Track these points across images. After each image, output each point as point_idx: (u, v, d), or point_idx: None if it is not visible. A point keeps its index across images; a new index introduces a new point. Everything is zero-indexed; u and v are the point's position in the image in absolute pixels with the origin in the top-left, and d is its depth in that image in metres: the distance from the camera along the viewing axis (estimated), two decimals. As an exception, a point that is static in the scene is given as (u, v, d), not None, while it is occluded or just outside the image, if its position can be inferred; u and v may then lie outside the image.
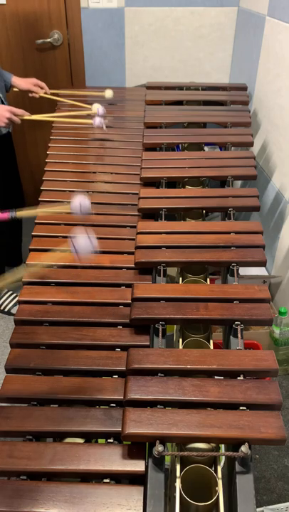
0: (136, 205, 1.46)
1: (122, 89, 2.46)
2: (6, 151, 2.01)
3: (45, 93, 2.00)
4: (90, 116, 1.87)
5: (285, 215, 1.91)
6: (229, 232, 1.29)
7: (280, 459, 1.57)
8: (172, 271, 1.43)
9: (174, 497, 0.78)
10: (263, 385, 0.88)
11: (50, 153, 1.75)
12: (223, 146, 1.77)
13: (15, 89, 1.96)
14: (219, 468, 0.81)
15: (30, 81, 1.96)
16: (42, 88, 1.98)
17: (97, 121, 1.80)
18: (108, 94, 2.07)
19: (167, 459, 0.89)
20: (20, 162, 2.18)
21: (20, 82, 1.94)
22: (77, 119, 1.87)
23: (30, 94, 1.98)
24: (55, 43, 2.40)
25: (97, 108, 1.86)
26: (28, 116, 1.73)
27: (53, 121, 1.93)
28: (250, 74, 2.26)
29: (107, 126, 1.83)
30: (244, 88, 2.18)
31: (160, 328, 1.03)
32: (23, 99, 2.53)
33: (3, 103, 1.83)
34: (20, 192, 2.21)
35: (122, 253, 1.31)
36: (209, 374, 0.94)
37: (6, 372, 1.00)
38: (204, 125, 1.90)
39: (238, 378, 0.91)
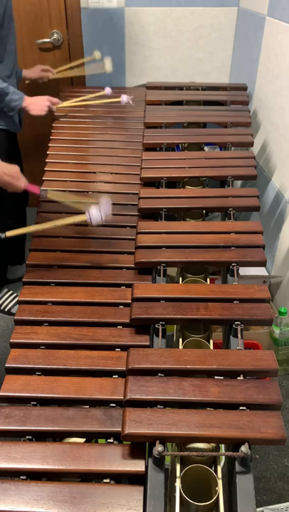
0: (136, 205, 1.46)
1: (122, 89, 2.45)
2: (15, 148, 2.06)
3: (53, 74, 2.19)
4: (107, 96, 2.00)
5: (285, 215, 1.91)
6: (229, 232, 1.29)
7: (280, 459, 1.57)
8: (172, 271, 1.43)
9: (174, 497, 0.78)
10: (263, 385, 0.88)
11: (50, 153, 1.75)
12: (223, 146, 1.77)
13: (27, 82, 2.11)
14: (219, 468, 0.81)
15: (36, 69, 2.14)
16: (48, 71, 2.16)
17: (125, 98, 1.92)
18: (107, 65, 2.15)
19: (167, 459, 0.89)
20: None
21: (30, 74, 2.10)
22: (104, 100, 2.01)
23: (40, 81, 2.15)
24: (55, 43, 2.40)
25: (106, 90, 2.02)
26: (61, 104, 1.93)
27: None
28: (250, 74, 2.26)
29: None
30: (244, 88, 2.18)
31: (160, 328, 1.03)
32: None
33: None
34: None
35: (122, 253, 1.31)
36: (209, 374, 0.94)
37: (6, 373, 1.00)
38: (204, 125, 1.90)
39: (238, 378, 0.91)
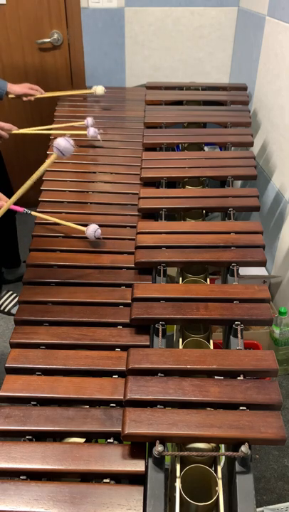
0: (136, 205, 1.46)
1: (122, 89, 2.46)
2: None
3: (41, 94, 2.03)
4: (82, 127, 1.84)
5: (285, 215, 1.91)
6: (229, 232, 1.29)
7: (280, 459, 1.57)
8: (172, 271, 1.43)
9: (174, 497, 0.78)
10: (263, 385, 0.88)
11: (50, 153, 1.75)
12: (223, 146, 1.77)
13: (11, 96, 1.98)
14: (219, 468, 0.81)
15: (24, 85, 2.01)
16: (36, 90, 2.02)
17: (91, 131, 1.76)
18: (99, 90, 2.11)
19: (167, 459, 0.89)
20: (20, 162, 2.18)
21: (15, 88, 1.98)
22: (70, 131, 1.84)
23: (24, 99, 2.01)
24: (55, 43, 2.40)
25: (86, 119, 1.83)
26: (16, 131, 1.74)
27: (50, 129, 1.92)
28: (250, 74, 2.26)
29: (100, 134, 1.78)
30: (244, 88, 2.18)
31: (160, 328, 1.03)
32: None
33: None
34: (10, 192, 2.18)
35: (122, 253, 1.31)
36: (209, 374, 0.94)
37: (6, 373, 1.00)
38: (204, 125, 1.90)
39: (238, 378, 0.91)
